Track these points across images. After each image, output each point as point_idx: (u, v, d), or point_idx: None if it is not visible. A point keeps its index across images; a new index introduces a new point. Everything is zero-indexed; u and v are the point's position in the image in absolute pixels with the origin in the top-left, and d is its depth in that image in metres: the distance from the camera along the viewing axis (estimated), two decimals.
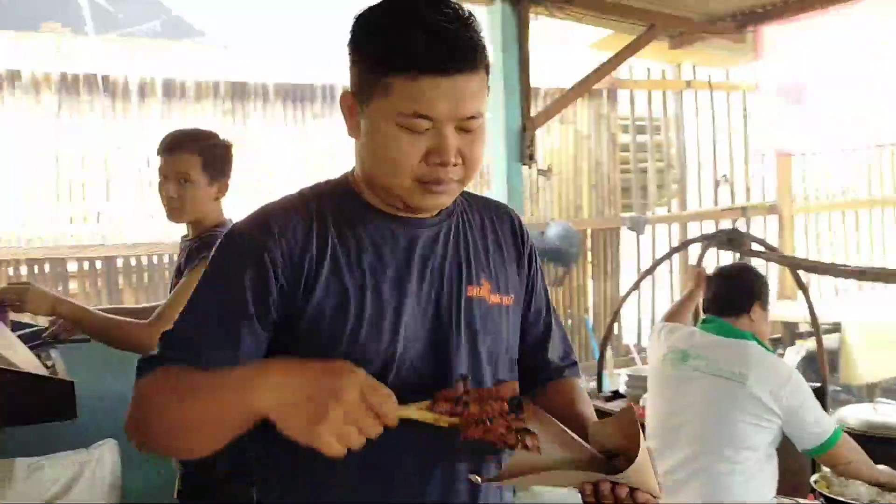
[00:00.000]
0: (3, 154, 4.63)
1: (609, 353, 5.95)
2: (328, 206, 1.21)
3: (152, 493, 2.62)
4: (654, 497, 1.09)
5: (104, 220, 4.90)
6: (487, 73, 1.16)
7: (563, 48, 6.91)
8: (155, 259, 4.95)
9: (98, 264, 4.82)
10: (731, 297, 2.64)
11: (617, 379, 4.10)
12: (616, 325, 6.54)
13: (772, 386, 2.39)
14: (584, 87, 4.81)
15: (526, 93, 4.54)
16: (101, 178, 4.89)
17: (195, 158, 2.23)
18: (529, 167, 4.68)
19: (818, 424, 2.38)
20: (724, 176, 7.01)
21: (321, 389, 0.96)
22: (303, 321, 1.16)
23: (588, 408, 1.33)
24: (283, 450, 1.16)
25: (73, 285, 4.75)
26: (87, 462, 2.43)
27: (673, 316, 3.07)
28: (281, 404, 0.98)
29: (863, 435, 3.15)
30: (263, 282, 1.15)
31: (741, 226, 6.94)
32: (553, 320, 1.44)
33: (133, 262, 4.90)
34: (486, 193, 5.62)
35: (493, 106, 4.67)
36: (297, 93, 5.38)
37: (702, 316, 2.79)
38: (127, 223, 4.95)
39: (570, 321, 6.40)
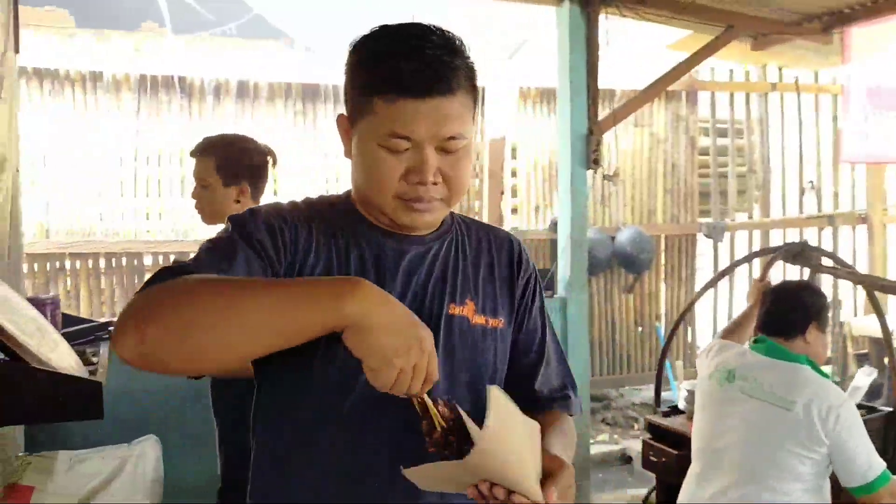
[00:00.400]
0: (85, 151, 4.84)
1: (679, 364, 5.80)
2: (329, 214, 1.26)
3: (193, 491, 2.68)
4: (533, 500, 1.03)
5: (178, 216, 5.06)
6: (474, 96, 1.20)
7: (642, 49, 6.73)
8: None
9: (172, 259, 4.98)
10: (785, 316, 2.50)
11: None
12: (690, 334, 6.37)
13: (820, 414, 2.25)
14: (656, 90, 4.66)
15: (593, 95, 4.44)
16: (177, 176, 5.05)
17: (210, 162, 2.28)
18: (595, 172, 4.56)
19: (866, 462, 2.23)
20: (811, 182, 6.70)
21: (411, 329, 1.01)
22: None
23: (557, 443, 1.24)
24: (270, 455, 1.24)
25: None
26: (129, 457, 2.50)
27: (731, 333, 2.94)
28: (370, 319, 0.99)
29: None
30: (272, 239, 1.18)
31: (826, 236, 6.63)
32: (551, 351, 1.40)
33: None
34: (552, 197, 5.59)
35: (559, 109, 4.60)
36: None
37: (754, 335, 2.67)
38: (199, 220, 5.09)
39: (640, 328, 6.25)
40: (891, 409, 3.29)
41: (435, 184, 1.17)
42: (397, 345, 0.98)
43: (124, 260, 4.89)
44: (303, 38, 8.87)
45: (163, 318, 0.98)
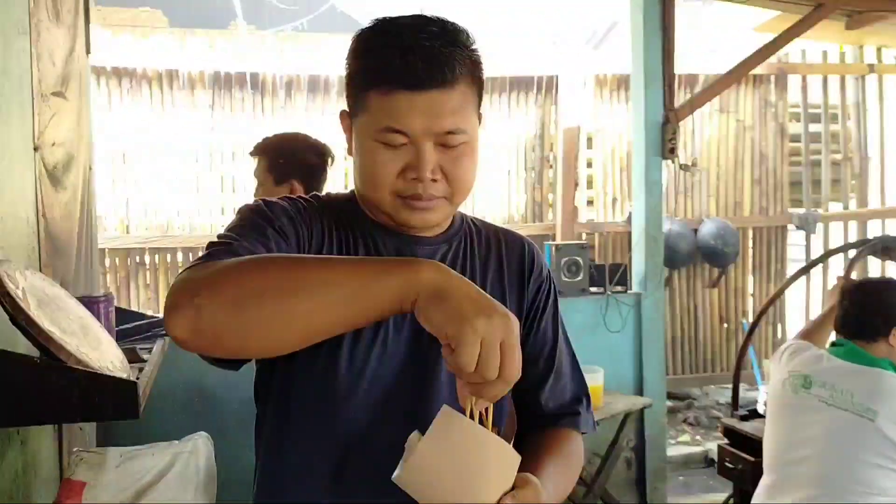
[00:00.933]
0: (162, 148, 4.95)
1: (767, 363, 5.50)
2: (335, 211, 1.22)
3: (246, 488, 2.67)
4: None
5: None
6: (477, 89, 1.15)
7: (730, 33, 6.41)
8: None
9: None
10: (866, 318, 2.30)
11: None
12: (780, 331, 6.04)
13: None
14: (738, 74, 4.41)
15: (669, 82, 4.23)
16: (250, 172, 5.09)
17: (263, 162, 2.28)
18: (673, 161, 4.35)
19: None
20: None
21: (492, 301, 0.91)
22: None
23: (548, 467, 1.13)
24: (274, 455, 1.20)
25: None
26: (180, 454, 2.49)
27: (810, 333, 2.74)
28: (449, 283, 0.91)
29: None
30: (293, 226, 1.14)
31: None
32: (563, 362, 1.30)
33: None
34: (630, 188, 5.37)
35: (632, 96, 4.41)
36: None
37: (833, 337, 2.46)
38: None
39: (726, 325, 5.97)
40: None
41: (434, 181, 1.12)
42: (478, 309, 0.88)
43: (200, 253, 4.98)
44: None
45: (223, 290, 0.90)
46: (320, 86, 5.17)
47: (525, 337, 1.26)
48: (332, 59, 5.18)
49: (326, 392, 1.13)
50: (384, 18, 1.14)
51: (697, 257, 5.66)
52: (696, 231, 5.60)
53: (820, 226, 5.91)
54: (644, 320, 4.32)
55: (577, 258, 4.21)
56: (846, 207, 6.17)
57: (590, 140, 5.64)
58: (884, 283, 2.45)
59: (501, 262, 1.27)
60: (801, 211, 5.92)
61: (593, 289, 4.31)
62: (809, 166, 6.06)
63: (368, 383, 1.13)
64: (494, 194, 5.49)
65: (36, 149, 2.67)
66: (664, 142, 4.25)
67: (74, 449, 2.51)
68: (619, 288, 4.35)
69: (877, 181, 6.24)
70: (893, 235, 3.39)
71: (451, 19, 1.14)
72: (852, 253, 3.55)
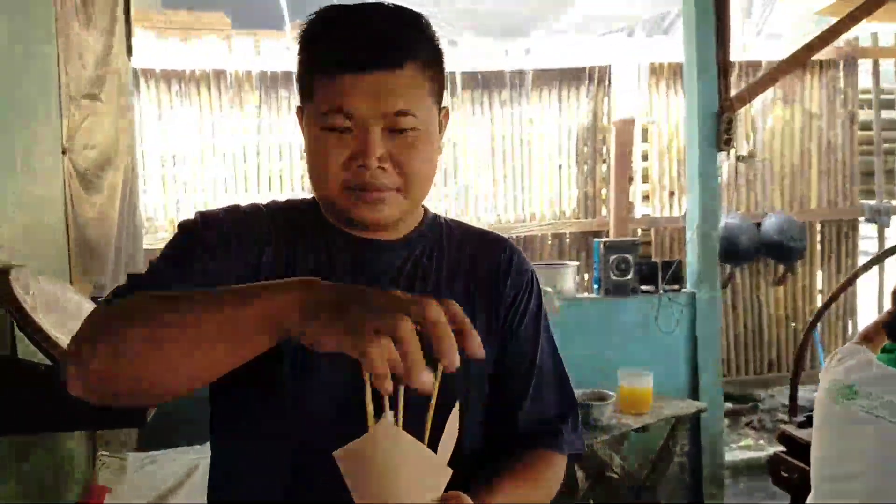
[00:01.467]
0: (213, 149, 4.99)
1: None
2: (288, 218, 1.14)
3: None
4: None
5: None
6: (432, 74, 1.07)
7: (792, 18, 6.10)
8: None
9: None
10: None
11: None
12: (850, 329, 5.73)
13: None
14: (799, 60, 4.15)
15: (724, 70, 4.02)
16: (298, 170, 5.10)
17: None
18: (728, 153, 4.14)
19: None
20: None
21: (376, 293, 0.80)
22: None
23: (504, 489, 1.03)
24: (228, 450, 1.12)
25: None
26: (203, 458, 2.47)
27: (868, 337, 2.53)
28: (328, 295, 0.81)
29: None
30: (224, 245, 1.07)
31: None
32: (544, 377, 1.18)
33: None
34: (684, 183, 5.15)
35: (686, 85, 4.22)
36: (485, 81, 5.24)
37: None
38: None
39: (793, 324, 5.69)
40: None
41: (383, 169, 1.04)
42: (368, 308, 0.77)
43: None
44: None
45: (103, 346, 0.85)
46: None
47: (501, 348, 1.16)
48: None
49: (275, 396, 1.05)
50: (332, 5, 1.07)
51: (761, 253, 5.39)
52: (758, 225, 5.34)
53: (894, 218, 5.56)
54: (699, 320, 4.13)
55: (627, 255, 4.05)
56: None
57: (645, 132, 5.45)
58: None
59: (475, 268, 1.16)
60: (873, 202, 5.59)
61: (645, 287, 4.14)
62: (882, 155, 5.71)
63: (319, 385, 1.04)
64: (545, 190, 5.35)
65: (64, 152, 2.67)
66: (719, 133, 4.05)
67: (99, 453, 2.51)
68: (672, 287, 4.17)
69: None
70: None
71: (411, 6, 1.07)
72: None
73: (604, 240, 4.19)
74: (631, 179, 5.28)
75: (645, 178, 5.49)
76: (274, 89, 5.04)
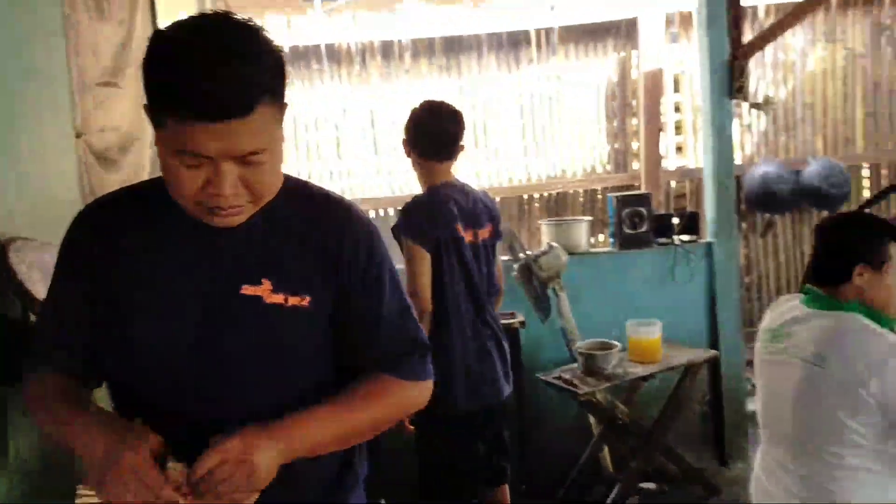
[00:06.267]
0: None
1: None
2: (136, 203, 1.29)
3: None
4: None
5: (336, 177, 5.33)
6: (279, 103, 1.13)
7: None
8: (381, 212, 5.29)
9: None
10: (826, 260, 2.09)
11: None
12: None
13: (857, 370, 1.88)
14: (810, 4, 4.03)
15: (735, 16, 3.96)
16: (332, 139, 5.31)
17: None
18: (743, 102, 4.10)
19: None
20: None
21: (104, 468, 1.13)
22: (100, 307, 1.26)
23: (330, 403, 1.25)
24: None
25: None
26: None
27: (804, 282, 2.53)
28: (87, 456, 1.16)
29: None
30: (77, 275, 1.27)
31: None
32: (388, 314, 1.32)
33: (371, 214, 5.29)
34: (697, 132, 5.04)
35: (696, 33, 4.17)
36: (511, 41, 5.29)
37: None
38: (356, 179, 5.34)
39: None
40: None
41: (236, 193, 1.13)
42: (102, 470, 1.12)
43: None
44: None
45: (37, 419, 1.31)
46: (394, 51, 5.26)
47: (345, 304, 1.27)
48: (405, 23, 5.20)
49: (125, 378, 1.28)
50: (177, 29, 1.09)
51: (802, 201, 5.28)
52: (798, 172, 5.22)
53: None
54: (717, 270, 4.13)
55: (640, 209, 4.08)
56: None
57: (677, 83, 5.39)
58: (845, 219, 2.20)
59: (308, 231, 1.26)
60: None
61: (662, 240, 4.17)
62: None
63: (163, 357, 1.23)
64: (575, 146, 5.39)
65: (78, 135, 2.95)
66: (732, 81, 4.00)
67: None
68: (688, 237, 4.19)
69: None
70: None
71: (253, 23, 1.11)
72: None
73: (617, 194, 4.24)
74: (661, 131, 5.25)
75: (678, 130, 5.44)
76: (306, 62, 5.25)
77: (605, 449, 3.88)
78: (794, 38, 5.31)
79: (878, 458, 1.94)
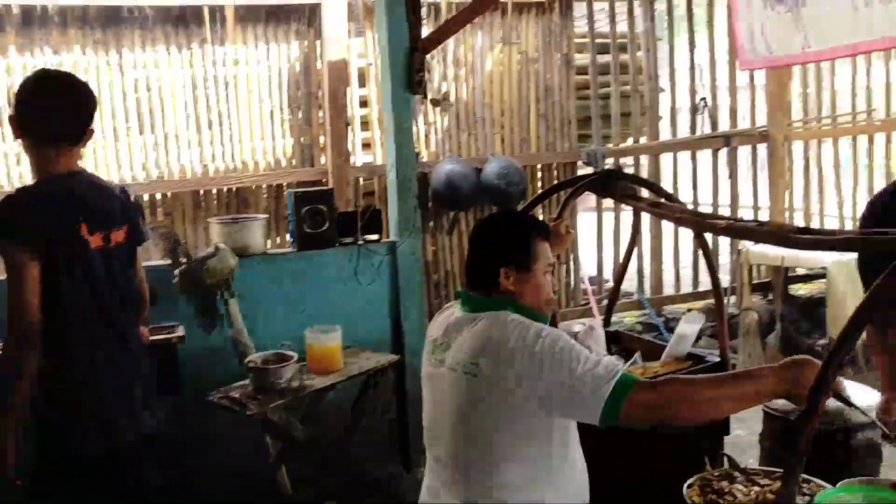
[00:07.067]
0: None
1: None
2: None
3: None
4: None
5: None
6: None
7: None
8: None
9: None
10: (475, 263, 1.98)
11: None
12: (570, 264, 5.89)
13: (508, 372, 1.75)
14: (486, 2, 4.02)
15: (414, 6, 3.82)
16: None
17: None
18: (425, 97, 3.99)
19: (591, 381, 1.69)
20: (704, 100, 6.16)
21: None
22: None
23: None
24: None
25: None
26: None
27: None
28: None
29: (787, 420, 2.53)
30: None
31: (722, 157, 6.11)
32: None
33: None
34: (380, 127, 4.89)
35: (376, 22, 4.00)
36: (180, 16, 4.74)
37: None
38: None
39: None
40: (718, 360, 2.85)
41: None
42: None
43: None
44: None
45: None
46: (35, 18, 4.47)
47: None
48: None
49: None
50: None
51: (483, 198, 5.37)
52: (479, 170, 5.30)
53: (611, 161, 5.72)
54: (401, 270, 3.99)
55: (321, 206, 3.80)
56: (637, 141, 6.03)
57: (363, 77, 5.20)
58: (491, 220, 2.11)
59: None
60: (591, 147, 5.72)
61: (346, 239, 3.93)
62: (598, 100, 5.85)
63: None
64: (257, 138, 4.98)
65: None
66: (412, 74, 3.87)
67: None
68: (373, 237, 3.99)
69: (668, 113, 6.12)
70: (610, 169, 3.15)
71: None
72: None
73: (295, 190, 3.93)
74: (347, 125, 5.02)
75: (366, 126, 5.26)
76: None
77: (283, 469, 3.54)
78: (474, 38, 5.37)
79: (547, 474, 1.82)
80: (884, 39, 3.98)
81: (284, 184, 5.00)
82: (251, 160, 4.97)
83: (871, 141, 6.40)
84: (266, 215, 4.17)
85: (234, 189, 4.95)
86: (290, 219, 3.89)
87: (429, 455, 2.02)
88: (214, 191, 4.93)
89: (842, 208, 6.46)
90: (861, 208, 5.62)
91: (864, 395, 2.54)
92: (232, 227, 3.70)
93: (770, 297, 6.03)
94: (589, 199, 6.17)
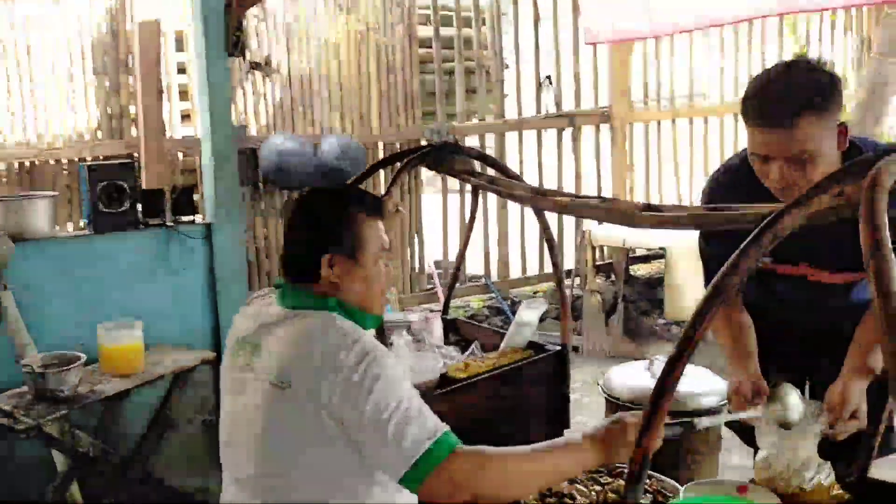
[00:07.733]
0: None
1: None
2: None
3: None
4: None
5: None
6: None
7: None
8: None
9: None
10: (292, 248, 1.67)
11: None
12: (415, 248, 5.63)
13: (321, 389, 1.45)
14: None
15: None
16: None
17: None
18: (244, 59, 3.57)
19: (399, 437, 1.41)
20: (548, 77, 6.03)
21: None
22: None
23: None
24: None
25: None
26: None
27: None
28: None
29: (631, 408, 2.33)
30: None
31: (567, 137, 6.01)
32: None
33: None
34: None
35: None
36: None
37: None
38: None
39: None
40: (559, 348, 2.63)
41: None
42: None
43: None
44: None
45: None
46: None
47: None
48: None
49: None
50: None
51: (320, 177, 4.97)
52: (316, 147, 4.91)
53: (454, 139, 5.47)
54: (218, 256, 3.55)
55: (121, 182, 3.30)
56: (482, 119, 5.82)
57: (181, 41, 4.67)
58: (310, 195, 1.74)
59: None
60: (434, 124, 5.45)
61: (154, 221, 3.45)
62: (442, 75, 5.58)
63: None
64: (55, 107, 4.36)
65: None
66: (228, 35, 3.43)
67: None
68: (186, 218, 3.53)
69: (513, 90, 5.94)
70: (445, 142, 2.89)
71: None
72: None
73: (89, 163, 3.41)
74: (160, 94, 4.49)
75: (185, 95, 4.74)
76: None
77: (75, 488, 3.05)
78: (307, 3, 4.95)
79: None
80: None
81: (89, 158, 4.40)
82: (48, 132, 4.34)
83: (706, 123, 6.53)
84: (54, 193, 3.62)
85: (27, 164, 4.31)
86: (82, 197, 3.36)
87: (226, 475, 1.67)
88: (3, 166, 4.27)
89: (679, 188, 6.55)
90: (697, 190, 5.70)
91: (708, 382, 2.41)
92: (8, 205, 3.14)
93: (613, 278, 6.02)
94: (435, 181, 5.94)
